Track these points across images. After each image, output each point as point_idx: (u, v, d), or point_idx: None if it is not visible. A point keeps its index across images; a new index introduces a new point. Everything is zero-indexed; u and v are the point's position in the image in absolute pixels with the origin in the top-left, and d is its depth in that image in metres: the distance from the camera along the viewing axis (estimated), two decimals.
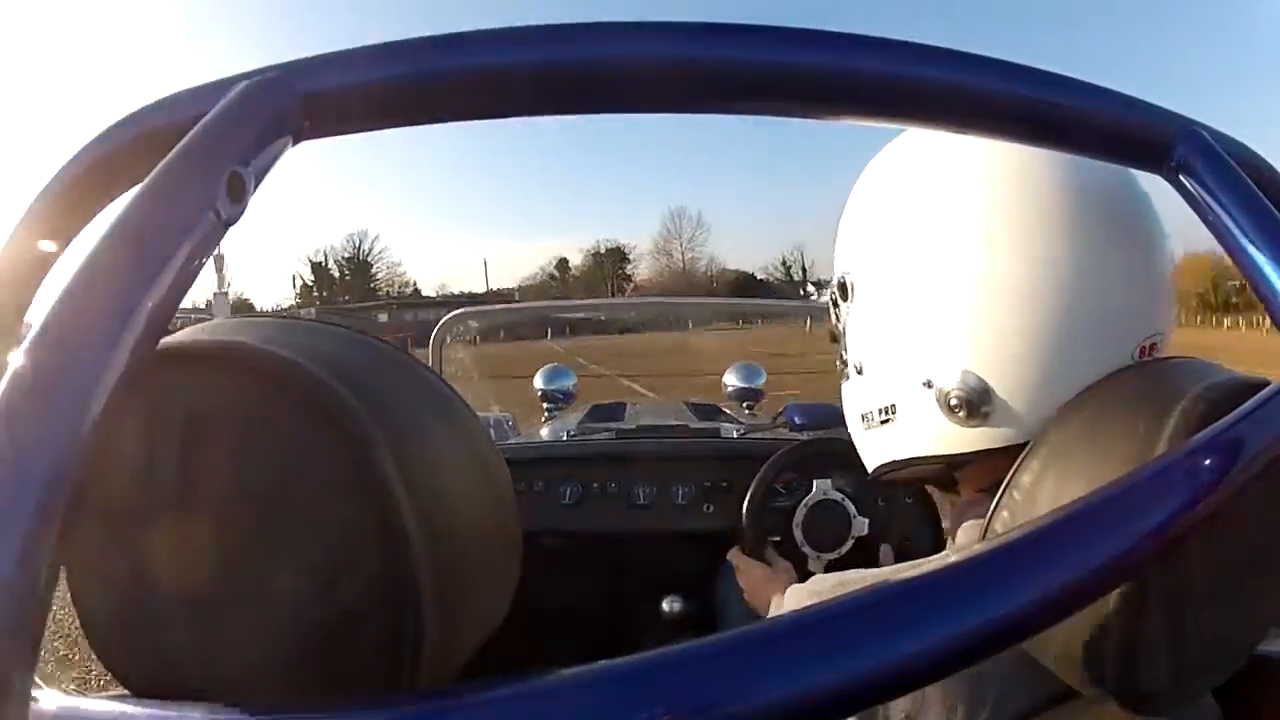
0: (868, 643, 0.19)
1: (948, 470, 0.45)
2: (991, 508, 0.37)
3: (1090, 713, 0.36)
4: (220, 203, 0.21)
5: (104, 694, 0.27)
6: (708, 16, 0.26)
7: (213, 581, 0.27)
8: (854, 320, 0.46)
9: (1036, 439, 0.37)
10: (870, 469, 0.50)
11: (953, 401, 0.40)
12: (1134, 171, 0.42)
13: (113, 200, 0.28)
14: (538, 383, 2.16)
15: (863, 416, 0.48)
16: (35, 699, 0.18)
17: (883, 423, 0.46)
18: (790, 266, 56.57)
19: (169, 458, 0.27)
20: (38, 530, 0.17)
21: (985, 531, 0.37)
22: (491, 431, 1.81)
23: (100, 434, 0.19)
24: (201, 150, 0.21)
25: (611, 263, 54.36)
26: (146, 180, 0.21)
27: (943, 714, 0.37)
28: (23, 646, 0.17)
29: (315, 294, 50.81)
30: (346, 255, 52.54)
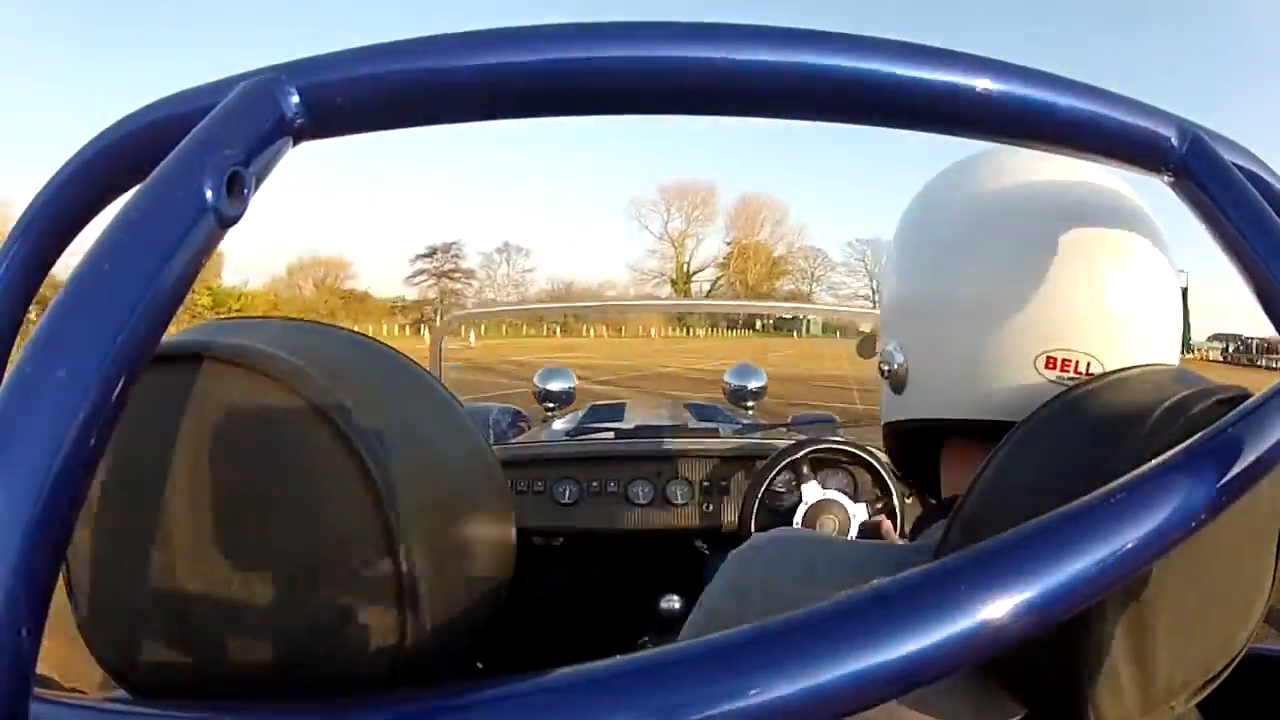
0: (854, 650, 0.20)
1: (911, 441, 0.51)
2: (949, 518, 0.37)
3: None
4: (220, 203, 0.21)
5: (102, 694, 0.27)
6: (709, 17, 0.26)
7: (209, 579, 0.27)
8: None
9: (989, 458, 0.37)
10: None
11: (884, 369, 0.49)
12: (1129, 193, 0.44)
13: (113, 200, 0.28)
14: (537, 383, 2.17)
15: None
16: (35, 698, 0.18)
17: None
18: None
19: (165, 457, 0.27)
20: (38, 530, 0.17)
21: (939, 548, 0.37)
22: (491, 431, 1.81)
23: (100, 434, 0.19)
24: (201, 150, 0.21)
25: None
26: (146, 180, 0.21)
27: None
28: (23, 645, 0.17)
29: None
30: None
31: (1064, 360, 0.41)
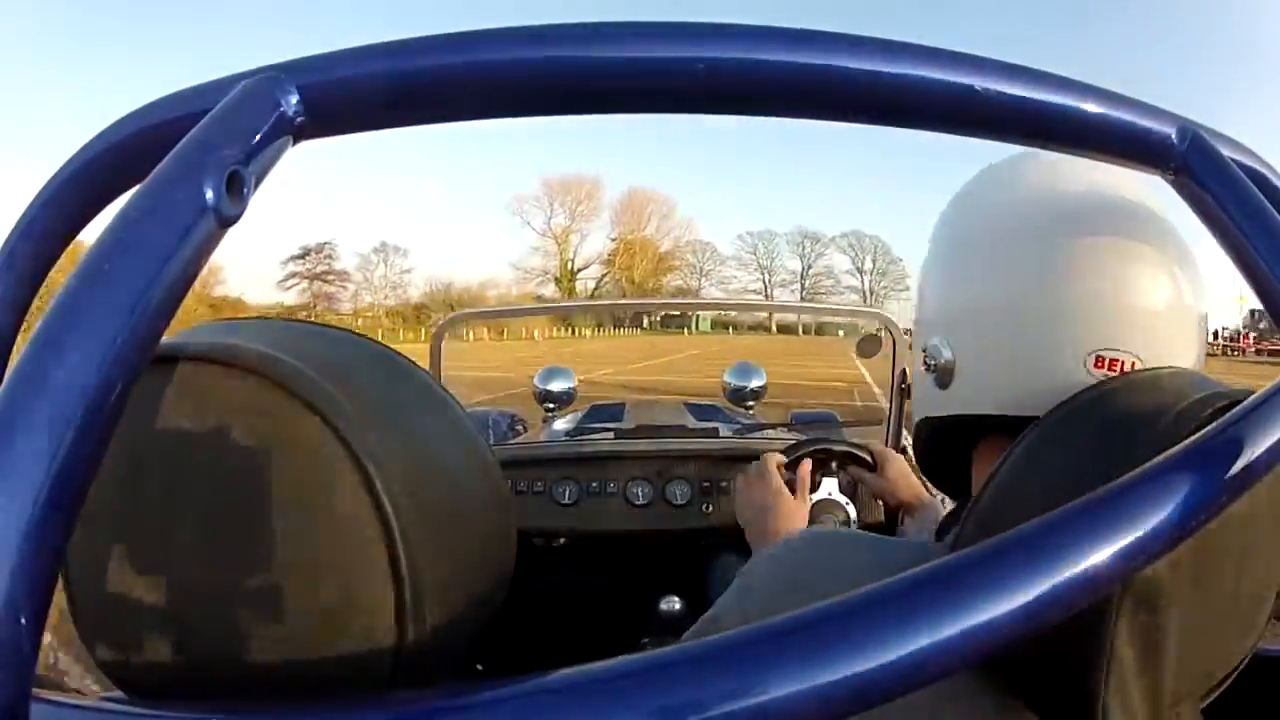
0: (854, 650, 0.20)
1: (946, 437, 0.51)
2: (964, 514, 0.37)
3: None
4: (220, 203, 0.21)
5: (101, 694, 0.27)
6: (709, 16, 0.26)
7: (209, 580, 0.27)
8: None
9: (1005, 456, 0.37)
10: None
11: (930, 364, 0.49)
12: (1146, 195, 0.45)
13: (113, 200, 0.28)
14: (537, 383, 2.17)
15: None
16: (35, 698, 0.18)
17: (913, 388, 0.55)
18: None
19: (164, 458, 0.27)
20: (38, 530, 0.17)
21: (954, 544, 0.37)
22: (490, 433, 1.82)
23: (100, 434, 0.19)
24: (201, 150, 0.21)
25: None
26: (146, 180, 0.21)
27: None
28: (23, 645, 0.17)
29: None
30: None
31: (1111, 360, 0.42)
